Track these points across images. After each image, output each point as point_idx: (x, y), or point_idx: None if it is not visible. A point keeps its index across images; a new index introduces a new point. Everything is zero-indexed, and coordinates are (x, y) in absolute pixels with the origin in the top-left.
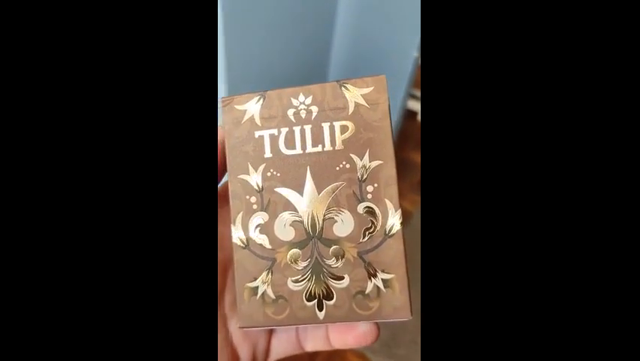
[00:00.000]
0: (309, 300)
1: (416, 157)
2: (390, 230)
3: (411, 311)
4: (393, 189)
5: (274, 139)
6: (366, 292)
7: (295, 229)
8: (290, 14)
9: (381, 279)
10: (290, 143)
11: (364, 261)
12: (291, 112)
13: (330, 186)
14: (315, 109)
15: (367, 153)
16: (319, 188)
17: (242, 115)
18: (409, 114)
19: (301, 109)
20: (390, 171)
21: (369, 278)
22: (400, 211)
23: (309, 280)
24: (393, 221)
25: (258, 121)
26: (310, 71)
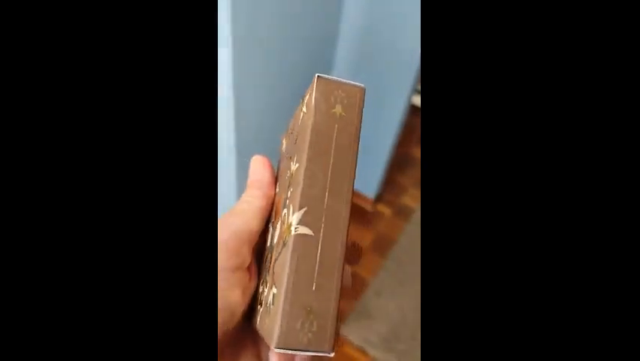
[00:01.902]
0: (259, 302)
1: (419, 153)
2: (286, 238)
3: (278, 341)
4: (297, 191)
5: (284, 160)
6: (267, 304)
7: (275, 233)
8: (296, 12)
9: (272, 293)
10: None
11: (273, 270)
12: (290, 135)
13: (283, 195)
14: (294, 128)
15: (295, 157)
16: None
17: (282, 146)
18: (415, 110)
19: (294, 130)
20: (301, 171)
21: (271, 289)
22: (298, 215)
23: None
24: (290, 227)
25: (284, 148)
26: (315, 67)
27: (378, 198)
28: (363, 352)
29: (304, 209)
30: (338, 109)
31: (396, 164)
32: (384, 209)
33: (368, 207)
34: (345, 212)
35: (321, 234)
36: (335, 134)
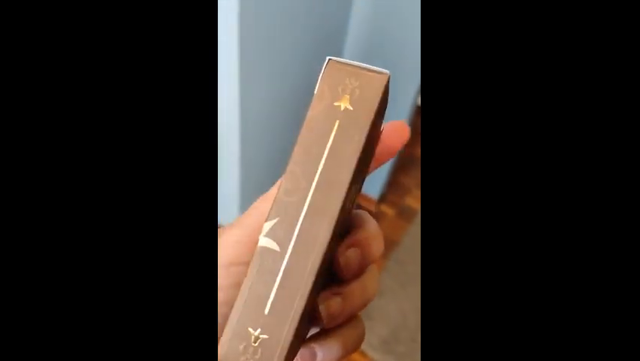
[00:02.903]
0: None
1: None
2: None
3: (219, 356)
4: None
5: None
6: None
7: None
8: (302, 12)
9: None
10: None
11: None
12: None
13: None
14: None
15: None
16: None
17: None
18: (420, 111)
19: None
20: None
21: None
22: (268, 225)
23: None
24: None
25: None
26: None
27: (382, 199)
28: (363, 354)
29: (276, 219)
30: (344, 101)
31: (401, 164)
32: (388, 210)
33: (371, 207)
34: (324, 233)
35: (289, 252)
36: (334, 133)
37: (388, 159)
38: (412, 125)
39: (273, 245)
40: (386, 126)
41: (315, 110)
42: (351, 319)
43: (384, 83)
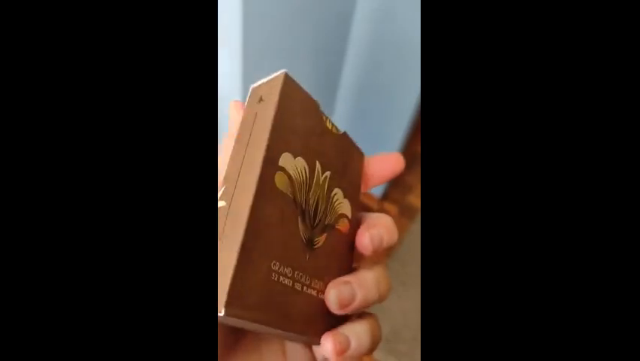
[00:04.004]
0: None
1: None
2: None
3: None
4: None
5: None
6: None
7: None
8: (307, 9)
9: None
10: None
11: None
12: None
13: None
14: None
15: None
16: None
17: None
18: None
19: None
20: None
21: None
22: (220, 192)
23: None
24: None
25: None
26: (325, 65)
27: (385, 197)
28: None
29: (224, 187)
30: (260, 100)
31: (404, 162)
32: (390, 208)
33: (374, 205)
34: (252, 183)
35: (230, 205)
36: (255, 119)
37: (379, 184)
38: (416, 122)
39: (223, 204)
40: (380, 154)
41: (245, 112)
42: (367, 315)
43: (282, 79)
